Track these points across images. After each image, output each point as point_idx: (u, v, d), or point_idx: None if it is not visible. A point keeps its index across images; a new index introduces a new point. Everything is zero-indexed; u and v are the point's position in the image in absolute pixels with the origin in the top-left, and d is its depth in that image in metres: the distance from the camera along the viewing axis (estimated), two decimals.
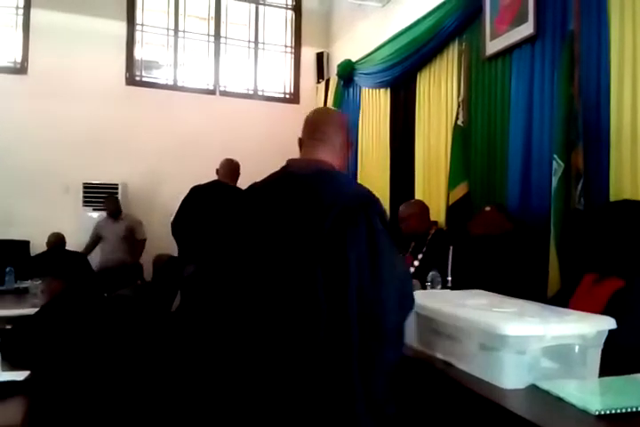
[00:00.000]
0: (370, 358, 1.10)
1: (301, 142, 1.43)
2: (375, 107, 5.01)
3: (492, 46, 3.51)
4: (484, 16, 3.56)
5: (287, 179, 1.29)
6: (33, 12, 5.34)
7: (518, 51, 3.32)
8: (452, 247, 2.11)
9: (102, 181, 5.32)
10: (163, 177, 5.43)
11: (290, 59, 6.26)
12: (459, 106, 3.54)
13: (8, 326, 2.03)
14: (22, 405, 1.40)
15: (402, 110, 4.59)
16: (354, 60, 5.33)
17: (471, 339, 1.41)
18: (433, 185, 3.97)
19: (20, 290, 3.51)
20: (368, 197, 1.25)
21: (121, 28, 5.57)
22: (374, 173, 4.97)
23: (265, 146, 5.84)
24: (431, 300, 1.64)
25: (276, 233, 1.18)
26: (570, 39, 2.75)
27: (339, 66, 5.51)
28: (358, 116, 5.31)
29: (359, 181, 5.26)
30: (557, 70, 2.86)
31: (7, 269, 3.70)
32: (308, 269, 1.11)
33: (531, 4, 3.17)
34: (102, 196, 5.24)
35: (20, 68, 5.31)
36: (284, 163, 1.42)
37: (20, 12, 5.36)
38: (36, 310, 2.17)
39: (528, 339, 1.28)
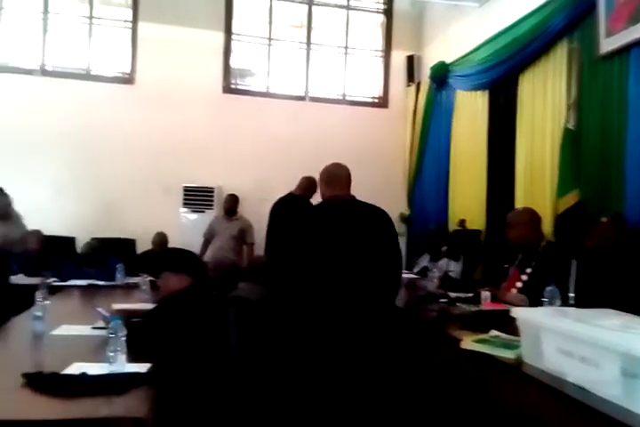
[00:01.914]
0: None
1: (327, 183, 2.26)
2: (471, 110, 4.86)
3: (607, 45, 3.28)
4: (598, 13, 3.33)
5: (344, 204, 2.20)
6: (140, 25, 5.73)
7: (637, 49, 3.07)
8: (574, 262, 1.98)
9: (200, 185, 5.58)
10: (256, 181, 5.61)
11: (380, 63, 6.24)
12: (569, 108, 3.34)
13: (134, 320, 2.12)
14: (147, 396, 1.44)
15: (501, 113, 4.41)
16: (447, 62, 5.21)
17: (612, 363, 1.31)
18: (537, 193, 3.77)
19: (130, 285, 3.72)
20: (387, 213, 2.23)
21: (218, 37, 5.83)
22: (468, 179, 4.81)
23: (354, 150, 5.85)
24: (560, 318, 1.54)
25: (353, 234, 2.07)
26: None
27: (432, 68, 5.40)
28: (451, 120, 5.17)
29: (450, 187, 5.13)
30: None
31: (117, 266, 3.97)
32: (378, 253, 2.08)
33: None
34: (200, 198, 5.51)
35: (129, 79, 5.73)
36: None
37: (129, 25, 5.78)
38: (145, 304, 2.31)
39: None
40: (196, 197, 5.50)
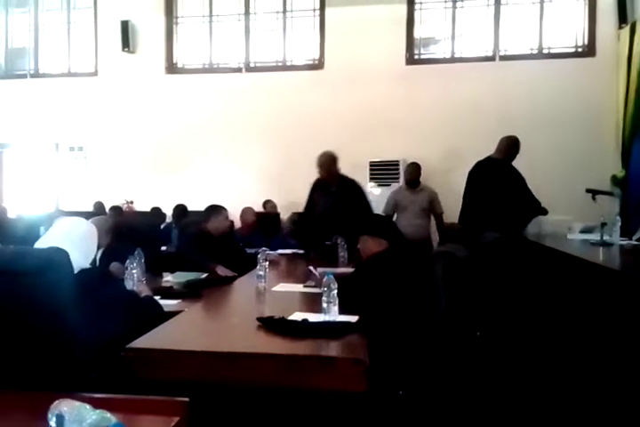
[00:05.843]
0: None
1: None
2: None
3: None
4: None
5: None
6: (327, 11, 5.97)
7: None
8: None
9: (384, 159, 5.67)
10: (441, 151, 5.48)
11: (583, 5, 5.46)
12: None
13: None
14: (361, 342, 1.56)
15: None
16: None
17: None
18: None
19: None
20: None
21: (401, 10, 5.76)
22: None
23: (552, 109, 5.33)
24: None
25: None
26: None
27: None
28: None
29: None
30: None
31: None
32: None
33: None
34: (385, 172, 5.61)
35: (318, 64, 6.06)
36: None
37: (317, 13, 6.08)
38: (345, 268, 2.46)
39: None
40: (382, 171, 5.62)
